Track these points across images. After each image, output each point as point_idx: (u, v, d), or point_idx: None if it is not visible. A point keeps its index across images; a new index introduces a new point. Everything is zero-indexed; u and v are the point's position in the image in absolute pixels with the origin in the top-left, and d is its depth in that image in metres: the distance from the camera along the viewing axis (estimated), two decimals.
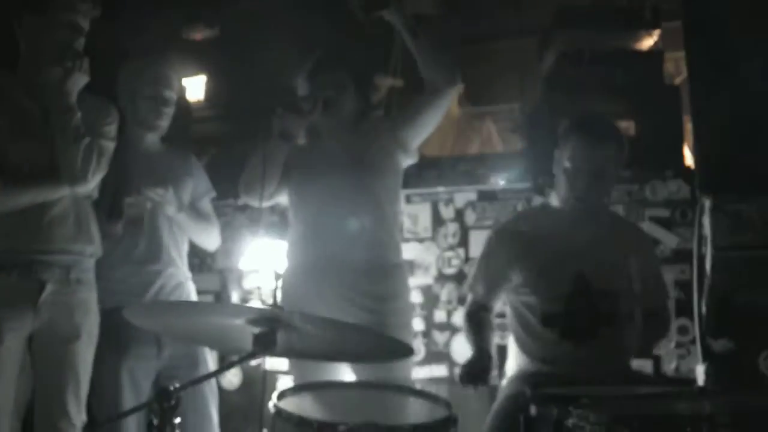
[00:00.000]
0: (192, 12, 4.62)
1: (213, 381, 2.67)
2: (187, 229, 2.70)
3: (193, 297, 2.75)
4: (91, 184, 2.32)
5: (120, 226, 2.53)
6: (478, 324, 2.38)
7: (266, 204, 2.54)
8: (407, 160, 2.58)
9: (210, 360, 2.66)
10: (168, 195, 2.54)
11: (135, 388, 2.48)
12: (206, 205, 2.79)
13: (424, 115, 2.51)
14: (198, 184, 2.76)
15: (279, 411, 1.66)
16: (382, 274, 2.45)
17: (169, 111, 2.67)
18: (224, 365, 2.45)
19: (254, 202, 2.51)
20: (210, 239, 2.79)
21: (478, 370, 2.17)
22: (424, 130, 2.55)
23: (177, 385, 1.50)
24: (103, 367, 2.42)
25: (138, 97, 2.62)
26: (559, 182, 2.36)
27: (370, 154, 2.47)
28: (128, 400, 2.45)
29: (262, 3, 4.38)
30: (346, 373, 2.44)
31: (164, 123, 2.67)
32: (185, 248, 2.74)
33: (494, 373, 3.07)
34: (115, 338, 2.40)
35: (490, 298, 2.43)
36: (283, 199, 2.59)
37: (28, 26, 2.28)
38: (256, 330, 1.55)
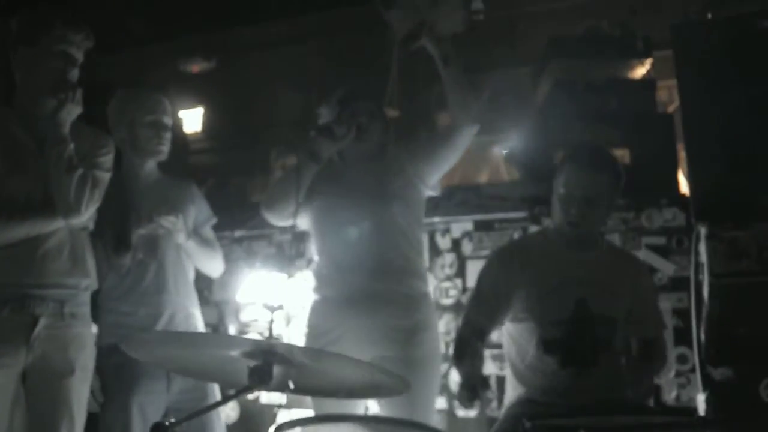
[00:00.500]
0: (189, 45, 4.66)
1: (221, 417, 2.66)
2: (194, 256, 2.69)
3: (201, 327, 2.73)
4: (85, 216, 2.31)
5: (128, 258, 2.52)
6: (471, 353, 2.34)
7: (286, 223, 2.51)
8: (427, 191, 2.57)
9: (218, 394, 2.63)
10: (180, 222, 2.54)
11: (145, 423, 2.43)
12: (209, 231, 2.79)
13: (443, 152, 2.50)
14: (200, 212, 2.76)
15: None
16: (412, 304, 2.43)
17: (169, 136, 2.67)
18: (220, 400, 2.43)
19: (277, 221, 2.50)
20: (215, 265, 2.79)
21: (473, 387, 2.16)
22: (443, 167, 2.54)
23: (172, 420, 1.48)
24: (112, 403, 2.42)
25: (137, 125, 2.61)
26: (554, 209, 2.37)
27: (393, 184, 2.47)
28: (137, 429, 2.41)
29: (259, 36, 4.43)
30: (367, 404, 2.46)
31: (165, 148, 2.67)
32: (192, 277, 2.74)
33: (494, 403, 3.07)
34: (125, 373, 2.38)
35: (487, 322, 2.40)
36: (301, 222, 2.53)
37: (22, 58, 2.29)
38: (252, 363, 1.54)
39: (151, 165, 2.69)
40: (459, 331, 2.45)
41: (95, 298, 2.55)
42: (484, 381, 2.23)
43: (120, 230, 2.52)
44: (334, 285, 2.45)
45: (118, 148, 2.54)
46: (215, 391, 2.63)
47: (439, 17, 2.43)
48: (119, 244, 2.51)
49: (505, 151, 3.59)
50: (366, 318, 2.36)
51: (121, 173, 2.60)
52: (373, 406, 2.43)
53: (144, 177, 2.68)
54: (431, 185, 2.55)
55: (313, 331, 2.48)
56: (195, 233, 2.68)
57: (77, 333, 2.31)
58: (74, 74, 2.31)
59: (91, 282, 2.38)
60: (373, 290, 2.38)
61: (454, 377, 3.18)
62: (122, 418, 2.42)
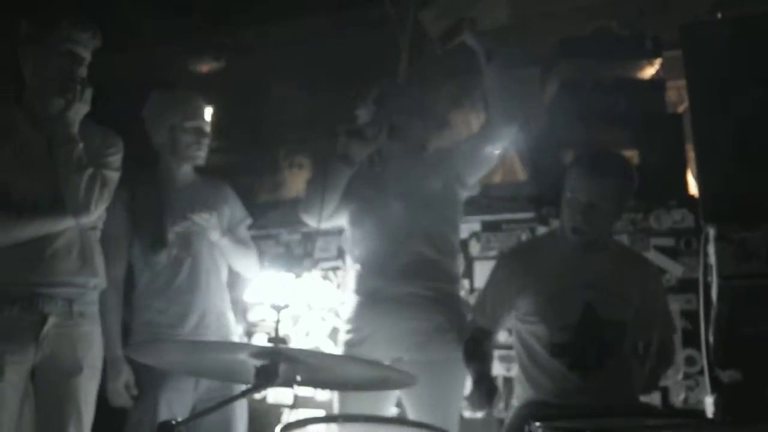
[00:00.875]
0: (199, 45, 4.67)
1: (245, 417, 2.69)
2: (229, 255, 2.73)
3: (233, 325, 2.77)
4: (95, 215, 2.34)
5: (164, 255, 2.58)
6: (482, 353, 2.36)
7: (325, 225, 2.56)
8: (465, 193, 2.57)
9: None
10: (213, 219, 2.58)
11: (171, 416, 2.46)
12: (244, 232, 2.84)
13: (480, 151, 2.49)
14: (234, 212, 2.80)
15: None
16: (435, 307, 2.44)
17: (207, 141, 2.73)
18: (229, 398, 2.45)
19: (312, 222, 2.53)
20: (249, 265, 2.82)
21: (486, 393, 2.16)
22: (484, 166, 2.54)
23: (179, 419, 1.49)
24: (142, 398, 2.48)
25: (178, 130, 2.67)
26: (562, 211, 2.37)
27: (429, 187, 2.48)
28: None
29: (268, 36, 4.43)
30: (393, 399, 2.50)
31: (204, 153, 2.73)
32: (225, 277, 2.76)
33: (501, 404, 3.06)
34: (155, 370, 2.40)
35: (495, 323, 2.41)
36: (341, 222, 2.59)
37: (30, 57, 2.32)
38: (258, 363, 1.55)
39: (186, 168, 2.75)
40: (469, 332, 2.45)
41: (130, 296, 2.61)
42: (492, 383, 2.22)
43: (156, 228, 2.59)
44: (364, 285, 2.48)
45: (157, 150, 2.60)
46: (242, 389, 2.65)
47: (480, 13, 2.42)
48: (155, 242, 2.59)
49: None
50: (390, 320, 2.39)
51: (158, 173, 2.68)
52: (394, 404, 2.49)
53: (180, 178, 2.74)
54: (469, 186, 2.55)
55: (346, 328, 2.51)
56: (229, 232, 2.71)
57: (85, 332, 2.34)
58: (82, 73, 2.33)
59: (99, 281, 2.40)
60: (396, 293, 2.41)
61: None
62: (150, 413, 2.47)
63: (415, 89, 2.71)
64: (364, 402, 2.26)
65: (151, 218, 2.59)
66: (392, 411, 2.54)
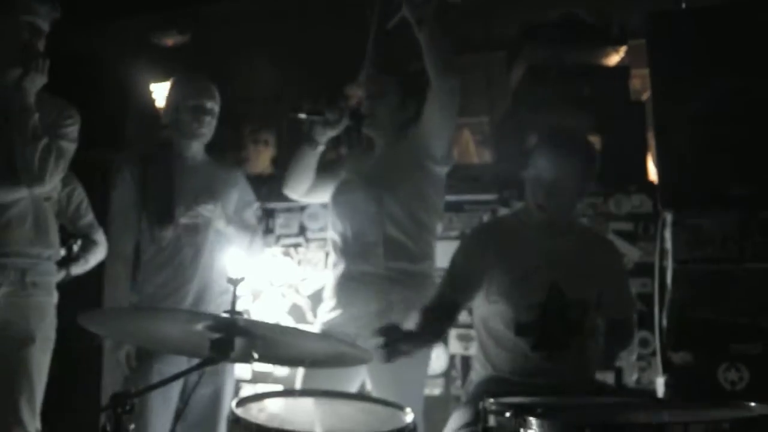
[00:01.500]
0: (164, 18, 4.59)
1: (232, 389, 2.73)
2: (234, 241, 2.73)
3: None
4: (49, 186, 2.32)
5: (170, 230, 2.61)
6: (429, 313, 2.28)
7: (307, 200, 2.80)
8: (441, 168, 2.57)
9: (235, 375, 2.74)
10: (218, 210, 2.63)
11: (163, 391, 2.45)
12: (250, 215, 2.85)
13: (436, 117, 2.48)
14: (242, 196, 2.83)
15: (237, 418, 1.65)
16: (418, 284, 2.49)
17: (210, 120, 2.75)
18: (182, 371, 2.44)
19: (294, 196, 2.71)
20: (254, 249, 2.82)
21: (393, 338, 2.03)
22: (442, 134, 2.52)
23: (133, 390, 1.48)
24: (136, 370, 2.49)
25: (181, 109, 2.71)
26: (526, 191, 2.39)
27: (401, 166, 2.52)
28: (156, 402, 2.46)
29: (235, 10, 4.37)
30: (358, 379, 2.52)
31: (206, 131, 2.75)
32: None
33: (457, 382, 3.10)
34: None
35: (460, 298, 2.36)
36: (324, 198, 2.70)
37: None
38: (213, 336, 1.54)
39: (197, 147, 2.78)
40: (425, 304, 2.41)
41: (137, 271, 2.66)
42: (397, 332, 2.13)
43: (164, 204, 2.63)
44: (342, 264, 2.55)
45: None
46: (233, 372, 2.71)
47: None
48: (162, 217, 2.62)
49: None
50: (354, 299, 2.47)
51: (169, 152, 2.72)
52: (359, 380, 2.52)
53: (190, 157, 2.76)
54: (440, 159, 2.54)
55: (324, 306, 2.59)
56: (235, 217, 2.75)
57: (38, 302, 2.32)
58: (40, 45, 2.30)
59: (53, 252, 2.38)
60: (380, 270, 2.47)
61: None
62: (142, 383, 2.42)
63: (381, 73, 2.72)
64: (328, 380, 2.27)
65: (160, 194, 2.63)
66: (356, 388, 2.55)
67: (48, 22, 2.33)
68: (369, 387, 2.55)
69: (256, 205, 2.92)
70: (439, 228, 2.71)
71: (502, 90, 3.87)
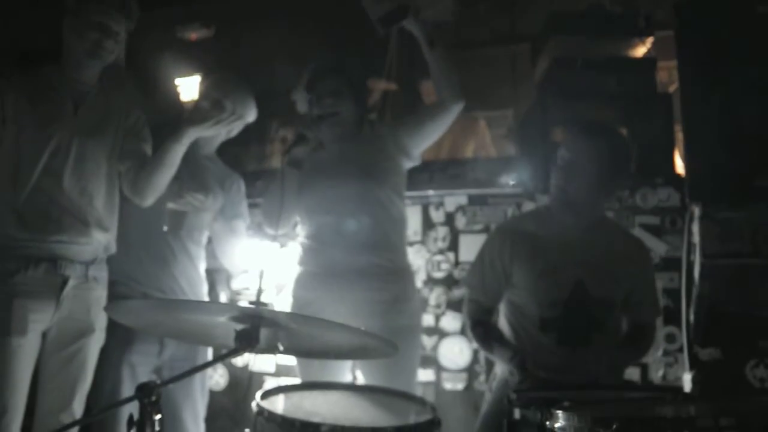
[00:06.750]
0: (189, 12, 4.62)
1: (206, 382, 2.73)
2: (218, 239, 2.76)
3: (203, 295, 2.79)
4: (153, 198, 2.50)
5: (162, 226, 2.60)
6: (496, 332, 2.40)
7: (284, 230, 2.63)
8: (409, 164, 2.62)
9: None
10: (207, 201, 2.58)
11: (134, 382, 2.47)
12: (239, 226, 2.79)
13: (428, 127, 2.56)
14: (231, 205, 2.77)
15: (261, 410, 1.66)
16: (392, 278, 2.48)
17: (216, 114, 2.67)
18: (208, 362, 2.46)
19: (272, 230, 2.59)
20: (233, 257, 2.80)
21: (521, 365, 2.19)
22: (427, 140, 2.60)
23: (159, 381, 1.49)
24: (106, 359, 2.47)
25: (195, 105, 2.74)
26: (551, 182, 2.37)
27: (373, 160, 2.52)
28: (126, 393, 2.46)
29: (259, 5, 4.39)
30: (348, 372, 2.53)
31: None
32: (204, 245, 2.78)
33: (481, 377, 3.09)
34: (122, 332, 2.42)
35: (495, 299, 2.42)
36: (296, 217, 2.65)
37: (66, 26, 2.41)
38: (239, 326, 1.55)
39: (205, 144, 2.73)
40: (472, 317, 2.45)
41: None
42: (521, 353, 2.25)
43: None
44: (317, 259, 2.52)
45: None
46: (207, 359, 2.67)
47: (424, 3, 2.46)
48: None
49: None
50: (347, 291, 2.43)
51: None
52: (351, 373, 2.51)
53: (195, 152, 2.67)
54: (414, 157, 2.60)
55: (296, 303, 2.55)
56: (222, 218, 2.72)
57: (98, 296, 2.43)
58: (109, 44, 2.40)
59: (112, 247, 2.49)
60: (354, 264, 2.44)
61: (443, 351, 3.20)
62: (113, 374, 2.48)
63: (349, 67, 2.71)
64: (322, 370, 2.32)
65: None
66: (348, 379, 2.56)
67: (122, 26, 2.42)
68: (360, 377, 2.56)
69: (248, 221, 2.84)
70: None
71: (527, 82, 3.84)
